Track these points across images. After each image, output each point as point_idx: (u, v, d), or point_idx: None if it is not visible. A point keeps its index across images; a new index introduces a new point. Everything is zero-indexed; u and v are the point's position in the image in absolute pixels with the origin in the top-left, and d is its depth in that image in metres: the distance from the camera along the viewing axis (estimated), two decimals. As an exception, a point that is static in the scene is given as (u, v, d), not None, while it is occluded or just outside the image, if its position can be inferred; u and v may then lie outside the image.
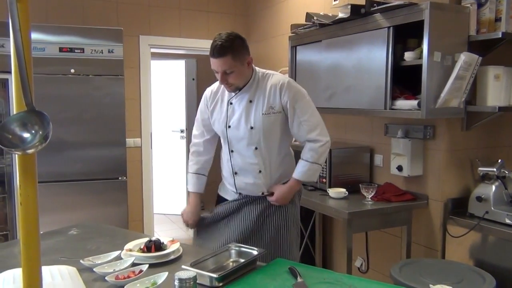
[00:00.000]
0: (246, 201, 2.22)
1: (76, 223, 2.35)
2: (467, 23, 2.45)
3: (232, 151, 2.21)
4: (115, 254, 1.78)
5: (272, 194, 2.18)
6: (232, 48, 2.01)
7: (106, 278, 1.54)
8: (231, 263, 1.73)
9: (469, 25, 2.45)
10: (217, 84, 2.24)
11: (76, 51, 3.54)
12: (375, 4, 2.61)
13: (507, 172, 2.46)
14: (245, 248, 1.78)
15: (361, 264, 3.32)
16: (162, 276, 1.51)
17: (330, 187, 2.97)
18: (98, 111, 3.66)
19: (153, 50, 4.63)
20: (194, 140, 2.37)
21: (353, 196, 2.86)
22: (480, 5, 2.44)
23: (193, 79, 6.53)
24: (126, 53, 3.84)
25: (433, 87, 2.38)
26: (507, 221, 2.33)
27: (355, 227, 2.65)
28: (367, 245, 3.26)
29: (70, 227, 2.27)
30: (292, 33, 3.54)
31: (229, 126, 2.17)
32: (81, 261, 1.70)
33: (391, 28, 2.55)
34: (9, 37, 0.97)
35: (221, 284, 1.52)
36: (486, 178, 2.54)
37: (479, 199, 2.47)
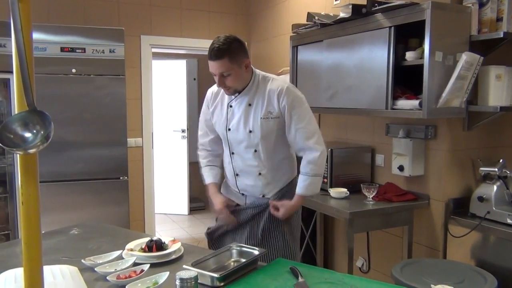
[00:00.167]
0: (252, 213, 2.23)
1: (77, 222, 2.35)
2: (468, 23, 2.44)
3: (232, 153, 2.22)
4: (116, 253, 1.78)
5: (277, 208, 2.16)
6: (229, 50, 2.01)
7: (107, 277, 1.54)
8: (232, 263, 1.73)
9: (471, 25, 2.44)
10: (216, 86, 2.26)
11: (77, 51, 3.55)
12: (376, 4, 2.60)
13: (508, 172, 2.46)
14: (246, 248, 1.78)
15: (363, 264, 3.32)
16: (163, 276, 1.52)
17: (331, 187, 2.97)
18: (99, 111, 3.66)
19: (154, 50, 4.63)
20: (200, 140, 2.39)
21: (354, 196, 2.86)
22: (481, 5, 2.44)
23: (194, 79, 6.54)
24: (127, 53, 3.85)
25: (435, 87, 2.38)
26: (509, 221, 2.33)
27: (357, 227, 2.64)
28: (368, 245, 3.26)
29: (72, 227, 2.27)
30: (293, 33, 3.54)
31: (229, 129, 2.19)
32: (82, 260, 1.71)
33: (393, 28, 2.55)
34: (10, 37, 0.97)
35: (222, 284, 1.52)
36: (487, 178, 2.54)
37: (481, 199, 2.47)
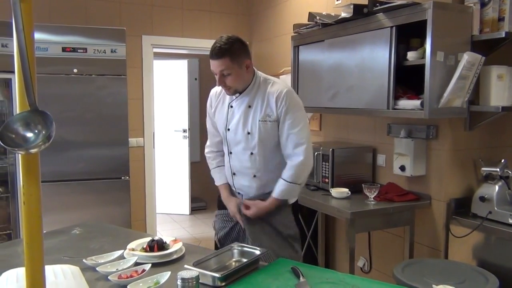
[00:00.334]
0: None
1: (79, 222, 2.35)
2: (470, 23, 2.44)
3: (230, 152, 2.25)
4: (118, 253, 1.78)
5: (248, 207, 2.17)
6: (231, 50, 2.03)
7: (109, 277, 1.54)
8: (233, 263, 1.73)
9: (472, 25, 2.44)
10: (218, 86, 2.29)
11: (79, 51, 3.55)
12: (377, 4, 2.60)
13: (510, 172, 2.46)
14: (248, 248, 1.78)
15: (364, 264, 3.32)
16: (164, 276, 1.52)
17: (332, 187, 2.96)
18: (100, 110, 3.66)
19: (155, 50, 4.63)
20: (207, 142, 2.43)
21: (356, 196, 2.86)
22: (483, 5, 2.44)
23: (196, 79, 6.54)
24: (128, 53, 3.85)
25: (436, 87, 2.37)
26: (510, 221, 2.33)
27: (358, 227, 2.64)
28: (369, 245, 3.26)
29: (73, 227, 2.28)
30: (294, 32, 3.54)
31: (228, 129, 2.21)
32: (84, 260, 1.71)
33: (394, 27, 2.55)
34: (12, 37, 0.97)
35: (223, 283, 1.52)
36: (489, 178, 2.53)
37: (482, 199, 2.47)
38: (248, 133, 2.15)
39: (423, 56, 2.44)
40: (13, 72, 1.02)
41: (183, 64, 6.09)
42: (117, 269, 1.62)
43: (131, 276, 1.55)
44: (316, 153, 3.10)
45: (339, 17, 2.90)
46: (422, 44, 2.51)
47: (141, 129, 4.51)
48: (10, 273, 1.55)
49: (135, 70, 4.39)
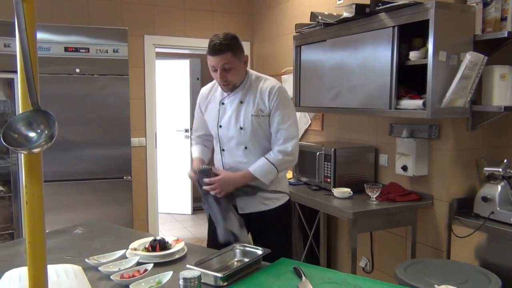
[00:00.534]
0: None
1: (81, 222, 2.36)
2: (472, 23, 2.43)
3: (223, 150, 2.26)
4: (120, 253, 1.78)
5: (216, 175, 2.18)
6: (231, 45, 2.09)
7: (111, 277, 1.54)
8: (235, 263, 1.74)
9: (475, 25, 2.43)
10: (211, 84, 2.34)
11: (81, 50, 3.56)
12: (380, 4, 2.60)
13: (513, 172, 2.45)
14: (250, 248, 1.79)
15: (366, 264, 3.32)
16: (167, 276, 1.52)
17: (334, 187, 2.96)
18: (103, 110, 3.67)
19: (157, 49, 4.64)
20: (193, 134, 2.49)
21: (358, 196, 2.86)
22: (485, 4, 2.43)
23: (198, 78, 6.54)
24: (131, 53, 3.86)
25: (439, 87, 2.37)
26: (513, 221, 2.32)
27: (360, 227, 2.64)
28: (371, 245, 3.25)
29: (75, 226, 2.28)
30: (296, 32, 3.54)
31: (220, 126, 2.23)
32: (86, 260, 1.71)
33: (396, 27, 2.54)
34: (15, 37, 0.97)
35: (225, 283, 1.53)
36: (491, 178, 2.53)
37: (485, 199, 2.46)
38: (241, 128, 2.18)
39: (425, 56, 2.43)
40: (15, 72, 1.02)
41: (185, 64, 6.10)
42: (119, 268, 1.63)
43: (133, 276, 1.55)
44: (318, 153, 3.10)
45: (341, 17, 2.90)
46: (424, 43, 2.51)
47: (143, 129, 4.51)
48: (12, 273, 1.56)
49: (137, 70, 4.39)
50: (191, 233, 5.36)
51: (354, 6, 2.73)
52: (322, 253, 3.72)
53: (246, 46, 4.84)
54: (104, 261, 1.71)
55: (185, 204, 6.23)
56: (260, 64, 4.83)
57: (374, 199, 2.75)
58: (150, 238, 1.88)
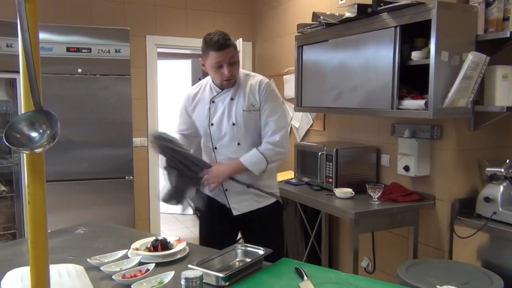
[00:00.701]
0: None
1: (83, 222, 2.36)
2: (475, 23, 2.43)
3: (215, 148, 2.27)
4: (122, 253, 1.78)
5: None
6: (231, 41, 2.16)
7: (113, 277, 1.55)
8: (237, 263, 1.74)
9: (477, 25, 2.43)
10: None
11: (83, 51, 3.57)
12: (382, 4, 2.59)
13: (515, 173, 2.44)
14: (251, 248, 1.78)
15: (368, 265, 3.32)
16: (168, 275, 1.52)
17: (336, 187, 2.96)
18: (105, 110, 3.68)
19: (159, 49, 4.64)
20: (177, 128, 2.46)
21: (360, 196, 2.85)
22: (488, 4, 2.42)
23: (200, 78, 6.53)
24: (132, 53, 3.86)
25: (441, 87, 2.37)
26: (515, 221, 2.32)
27: (362, 227, 2.64)
28: (373, 245, 3.25)
29: (77, 226, 2.28)
30: (298, 32, 3.54)
31: (212, 124, 2.25)
32: (88, 259, 1.71)
33: (398, 27, 2.54)
34: (17, 37, 0.97)
35: (227, 283, 1.53)
36: (494, 178, 2.52)
37: (487, 199, 2.46)
38: (233, 124, 2.21)
39: (427, 56, 2.43)
40: (18, 72, 1.02)
41: (187, 64, 6.10)
42: (121, 268, 1.63)
43: (135, 276, 1.55)
44: (320, 153, 3.10)
45: (343, 17, 2.90)
46: (426, 44, 2.50)
47: (145, 129, 4.52)
48: (14, 272, 1.56)
49: (139, 70, 4.40)
50: (192, 233, 5.37)
51: (356, 6, 2.73)
52: (324, 253, 3.71)
53: (248, 46, 4.86)
54: (106, 261, 1.72)
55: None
56: (262, 64, 4.83)
57: (376, 199, 2.75)
58: (152, 238, 1.88)
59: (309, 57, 3.47)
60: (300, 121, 4.06)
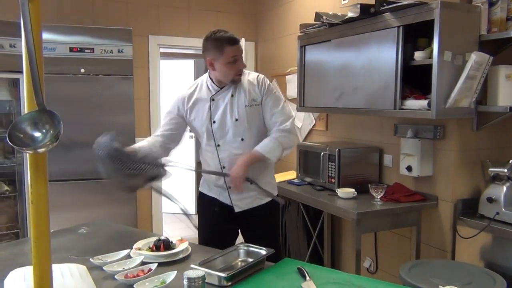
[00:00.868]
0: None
1: (86, 221, 2.37)
2: (478, 22, 2.42)
3: (218, 145, 2.27)
4: (124, 253, 1.79)
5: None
6: None
7: (115, 276, 1.55)
8: (239, 263, 1.74)
9: (480, 25, 2.42)
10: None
11: (86, 51, 3.57)
12: (384, 4, 2.59)
13: (518, 173, 2.44)
14: (254, 248, 1.79)
15: (370, 265, 3.31)
16: (171, 275, 1.52)
17: (338, 187, 2.96)
18: (107, 110, 3.68)
19: (162, 50, 4.65)
20: (156, 132, 2.43)
21: (362, 196, 2.85)
22: (491, 4, 2.42)
23: (202, 79, 6.55)
24: (135, 53, 3.87)
25: (444, 87, 2.36)
26: (518, 222, 2.31)
27: (364, 227, 2.63)
28: (376, 246, 3.25)
29: (80, 226, 2.29)
30: (301, 32, 3.53)
31: (214, 121, 2.25)
32: (90, 259, 1.72)
33: (401, 27, 2.53)
34: (20, 37, 0.98)
35: (229, 283, 1.53)
36: (497, 178, 2.51)
37: (490, 200, 2.45)
38: (236, 119, 2.22)
39: (430, 56, 2.43)
40: (21, 72, 1.03)
41: (189, 64, 6.10)
42: (123, 268, 1.63)
43: (138, 276, 1.56)
44: (322, 153, 3.10)
45: (346, 17, 2.90)
46: (429, 43, 2.50)
47: (148, 129, 4.52)
48: (17, 272, 1.56)
49: (141, 70, 4.40)
50: (195, 233, 5.35)
51: (358, 6, 2.72)
52: (326, 253, 3.71)
53: (250, 46, 4.86)
54: (109, 260, 1.72)
55: (189, 204, 6.23)
56: (264, 64, 4.83)
57: (379, 199, 2.74)
58: (154, 238, 1.89)
59: (312, 57, 3.47)
60: (302, 121, 4.06)
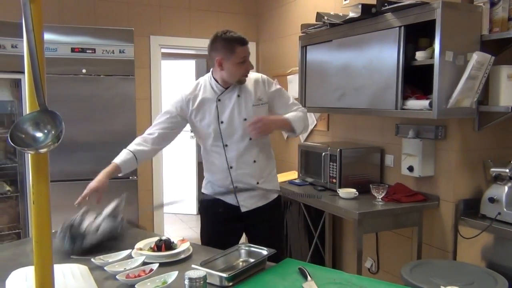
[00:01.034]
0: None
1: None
2: (479, 22, 2.42)
3: (226, 145, 2.27)
4: (125, 253, 1.79)
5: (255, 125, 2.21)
6: None
7: (117, 276, 1.55)
8: (241, 263, 1.74)
9: (482, 24, 2.42)
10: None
11: (87, 51, 3.57)
12: (386, 4, 2.59)
13: (520, 173, 2.43)
14: (255, 248, 1.79)
15: (371, 265, 3.31)
16: (172, 275, 1.52)
17: (340, 187, 2.95)
18: (109, 111, 3.68)
19: (163, 50, 4.65)
20: (148, 130, 2.45)
21: (364, 196, 2.85)
22: (492, 4, 2.41)
23: (203, 79, 6.55)
24: (137, 53, 3.87)
25: (445, 87, 2.36)
26: (520, 222, 2.31)
27: (365, 227, 2.63)
28: (377, 246, 3.24)
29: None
30: (302, 33, 3.53)
31: (222, 122, 2.24)
32: (92, 259, 1.72)
33: (402, 27, 2.53)
34: (22, 37, 0.98)
35: (231, 283, 1.53)
36: (498, 179, 2.51)
37: (492, 200, 2.45)
38: (245, 119, 2.23)
39: (431, 56, 2.42)
40: (23, 72, 1.03)
41: (191, 64, 6.11)
42: (125, 268, 1.63)
43: (139, 276, 1.56)
44: (323, 153, 3.10)
45: (347, 17, 2.90)
46: (430, 43, 2.50)
47: (149, 129, 4.52)
48: (19, 272, 1.57)
49: (143, 70, 4.40)
50: (196, 233, 5.36)
51: (360, 6, 2.72)
52: (328, 253, 3.71)
53: (252, 46, 4.84)
54: (110, 261, 1.72)
55: (191, 204, 6.24)
56: (265, 65, 4.83)
57: (380, 199, 2.74)
58: (156, 238, 1.89)
59: (313, 57, 3.47)
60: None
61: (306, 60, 3.53)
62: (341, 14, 3.12)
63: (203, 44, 4.82)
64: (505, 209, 2.38)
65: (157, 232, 4.45)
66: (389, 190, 2.81)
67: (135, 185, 3.79)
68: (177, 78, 6.08)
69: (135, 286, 1.47)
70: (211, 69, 2.31)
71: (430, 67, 2.38)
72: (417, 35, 2.58)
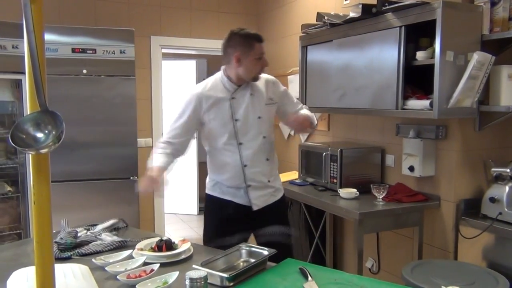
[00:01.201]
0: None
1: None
2: (480, 22, 2.42)
3: (240, 143, 2.26)
4: (126, 253, 1.79)
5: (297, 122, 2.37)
6: None
7: (117, 277, 1.55)
8: (241, 263, 1.74)
9: (482, 24, 2.42)
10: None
11: (88, 51, 3.58)
12: (386, 4, 2.59)
13: (521, 173, 2.43)
14: (256, 248, 1.79)
15: (372, 265, 3.31)
16: (173, 276, 1.52)
17: (341, 187, 2.95)
18: (109, 111, 3.69)
19: (164, 50, 4.65)
20: (168, 138, 2.32)
21: (364, 196, 2.85)
22: (493, 4, 2.41)
23: (204, 79, 6.54)
24: (137, 54, 3.87)
25: (446, 87, 2.36)
26: (521, 222, 2.30)
27: (366, 227, 2.63)
28: (378, 246, 3.24)
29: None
30: (302, 33, 3.53)
31: (236, 120, 2.24)
32: (93, 260, 1.72)
33: (403, 27, 2.53)
34: (23, 38, 0.98)
35: (231, 283, 1.53)
36: (499, 179, 2.51)
37: (492, 200, 2.44)
38: (259, 117, 2.27)
39: (432, 56, 2.42)
40: (23, 73, 1.03)
41: (191, 64, 6.11)
42: (126, 268, 1.63)
43: (140, 276, 1.56)
44: (324, 153, 3.10)
45: (348, 17, 2.90)
46: (431, 43, 2.50)
47: (150, 129, 4.53)
48: (20, 272, 1.57)
49: (143, 70, 4.40)
50: (197, 234, 5.37)
51: (360, 6, 2.72)
52: (328, 253, 3.71)
53: (252, 46, 4.85)
54: (111, 261, 1.72)
55: (192, 205, 6.24)
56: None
57: (381, 199, 2.74)
58: (157, 238, 1.89)
59: (314, 57, 3.47)
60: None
61: (306, 60, 3.54)
62: (341, 14, 3.12)
63: (204, 44, 4.82)
64: (506, 209, 2.38)
65: (157, 232, 4.45)
66: (390, 190, 2.81)
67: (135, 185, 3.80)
68: (178, 79, 6.09)
69: (136, 286, 1.47)
70: (223, 67, 2.30)
71: (431, 67, 2.38)
72: (418, 35, 2.58)
